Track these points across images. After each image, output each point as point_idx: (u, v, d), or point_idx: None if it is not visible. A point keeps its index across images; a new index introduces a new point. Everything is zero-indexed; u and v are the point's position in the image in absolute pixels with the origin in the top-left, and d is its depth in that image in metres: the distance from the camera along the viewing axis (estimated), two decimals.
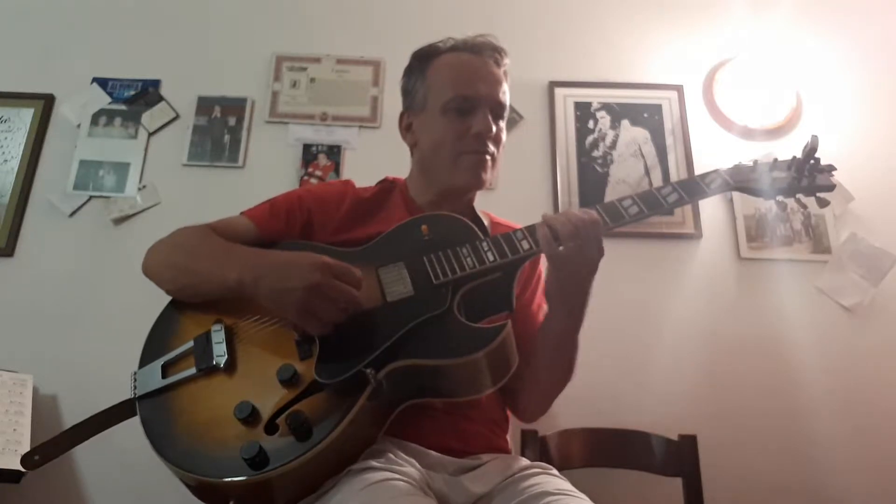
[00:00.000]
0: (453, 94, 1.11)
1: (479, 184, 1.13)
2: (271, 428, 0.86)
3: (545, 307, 1.18)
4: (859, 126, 2.01)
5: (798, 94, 2.05)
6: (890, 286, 1.84)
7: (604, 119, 2.04)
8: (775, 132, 2.01)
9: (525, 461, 1.08)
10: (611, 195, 1.95)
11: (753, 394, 1.74)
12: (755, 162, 1.04)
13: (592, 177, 1.97)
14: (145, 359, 0.98)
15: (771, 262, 1.86)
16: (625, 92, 2.06)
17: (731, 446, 1.68)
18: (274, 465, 0.82)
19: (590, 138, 2.02)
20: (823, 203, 1.00)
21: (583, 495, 0.95)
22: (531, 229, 1.00)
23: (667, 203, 1.00)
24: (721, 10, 2.13)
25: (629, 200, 1.01)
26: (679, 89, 2.07)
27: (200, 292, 1.01)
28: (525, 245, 0.98)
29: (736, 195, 1.92)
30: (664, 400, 1.72)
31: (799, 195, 1.02)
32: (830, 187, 1.02)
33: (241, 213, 1.14)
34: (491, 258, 0.98)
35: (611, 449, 1.56)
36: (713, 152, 1.99)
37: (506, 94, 1.16)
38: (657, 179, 1.97)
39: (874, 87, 2.06)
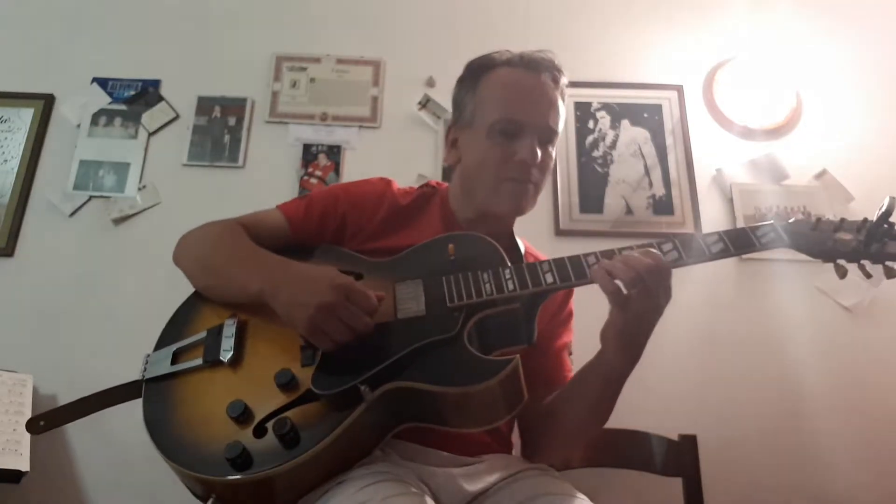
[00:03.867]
0: (500, 115, 1.05)
1: (518, 211, 1.09)
2: (260, 431, 0.84)
3: (570, 345, 1.16)
4: (859, 126, 2.01)
5: (798, 94, 2.05)
6: (890, 286, 1.81)
7: (604, 119, 2.04)
8: (775, 132, 2.01)
9: (524, 461, 1.07)
10: (611, 195, 1.95)
11: (753, 394, 1.74)
12: (818, 220, 0.95)
13: (592, 177, 1.97)
14: (161, 342, 0.99)
15: (771, 262, 1.85)
16: (625, 92, 2.06)
17: (731, 446, 1.68)
18: (255, 470, 0.81)
19: (590, 138, 2.02)
20: (892, 273, 0.87)
21: (582, 495, 0.95)
22: (559, 262, 0.94)
23: (709, 252, 0.92)
24: (721, 10, 2.13)
25: (669, 244, 0.92)
26: (679, 89, 2.07)
27: (224, 294, 1.01)
28: (549, 278, 0.92)
29: (735, 193, 1.92)
30: (664, 400, 1.72)
31: (865, 261, 0.90)
32: None
33: (277, 207, 1.13)
34: (510, 287, 0.92)
35: (611, 449, 1.55)
36: (713, 152, 2.00)
37: (559, 118, 1.09)
38: (657, 179, 1.97)
39: (874, 87, 2.06)
